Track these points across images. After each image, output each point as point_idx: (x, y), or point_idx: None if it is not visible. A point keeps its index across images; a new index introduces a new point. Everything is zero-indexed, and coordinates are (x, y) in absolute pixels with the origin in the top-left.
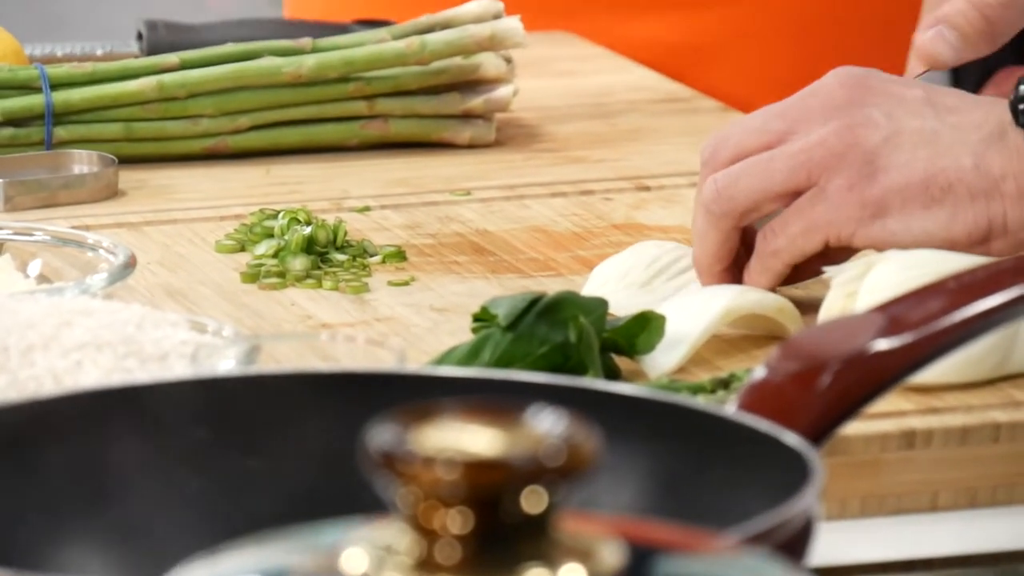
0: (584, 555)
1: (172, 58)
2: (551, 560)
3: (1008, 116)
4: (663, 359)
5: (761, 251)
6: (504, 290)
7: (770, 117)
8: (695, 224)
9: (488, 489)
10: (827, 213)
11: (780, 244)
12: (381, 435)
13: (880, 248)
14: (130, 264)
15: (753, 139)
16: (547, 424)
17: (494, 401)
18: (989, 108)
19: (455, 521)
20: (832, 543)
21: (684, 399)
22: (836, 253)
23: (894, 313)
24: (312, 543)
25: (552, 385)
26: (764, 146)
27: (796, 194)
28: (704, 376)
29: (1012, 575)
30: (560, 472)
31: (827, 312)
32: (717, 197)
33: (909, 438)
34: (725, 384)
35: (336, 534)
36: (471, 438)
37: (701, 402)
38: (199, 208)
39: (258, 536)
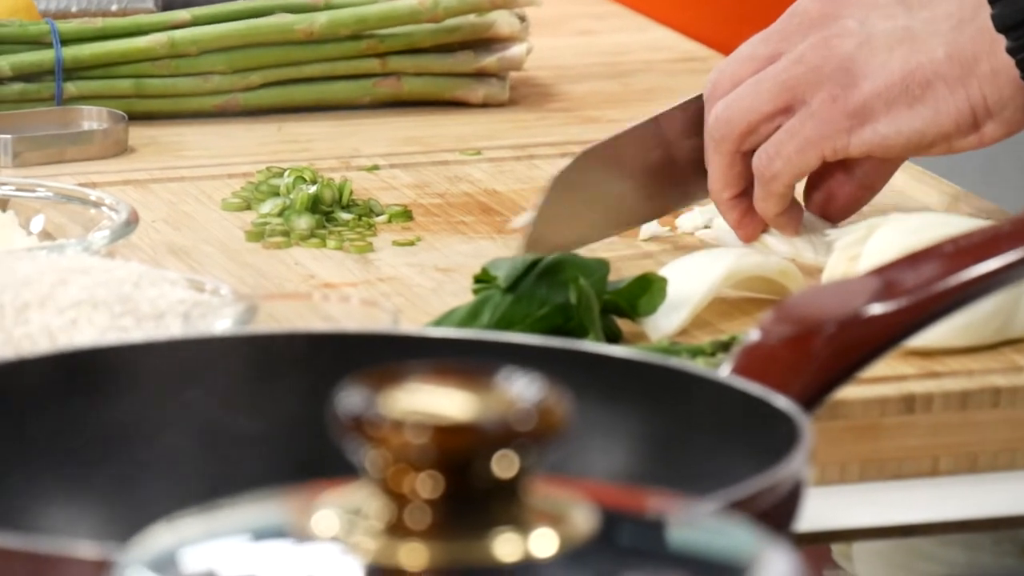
0: (556, 519)
1: (184, 14)
2: (522, 524)
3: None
4: (665, 321)
5: (762, 176)
6: (510, 251)
7: (757, 43)
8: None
9: (458, 453)
10: (817, 128)
11: (778, 167)
12: (351, 398)
13: (877, 153)
14: (132, 221)
15: (746, 67)
16: (519, 388)
17: (466, 364)
18: None
19: (425, 485)
20: (832, 508)
21: (675, 362)
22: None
23: (889, 277)
24: (285, 507)
25: (542, 347)
26: (754, 72)
27: (788, 112)
28: (706, 339)
29: (1012, 541)
30: (531, 436)
31: (830, 275)
32: (715, 123)
33: (909, 402)
34: (725, 347)
35: (309, 498)
36: (442, 401)
37: (693, 365)
38: (208, 166)
39: (236, 498)
